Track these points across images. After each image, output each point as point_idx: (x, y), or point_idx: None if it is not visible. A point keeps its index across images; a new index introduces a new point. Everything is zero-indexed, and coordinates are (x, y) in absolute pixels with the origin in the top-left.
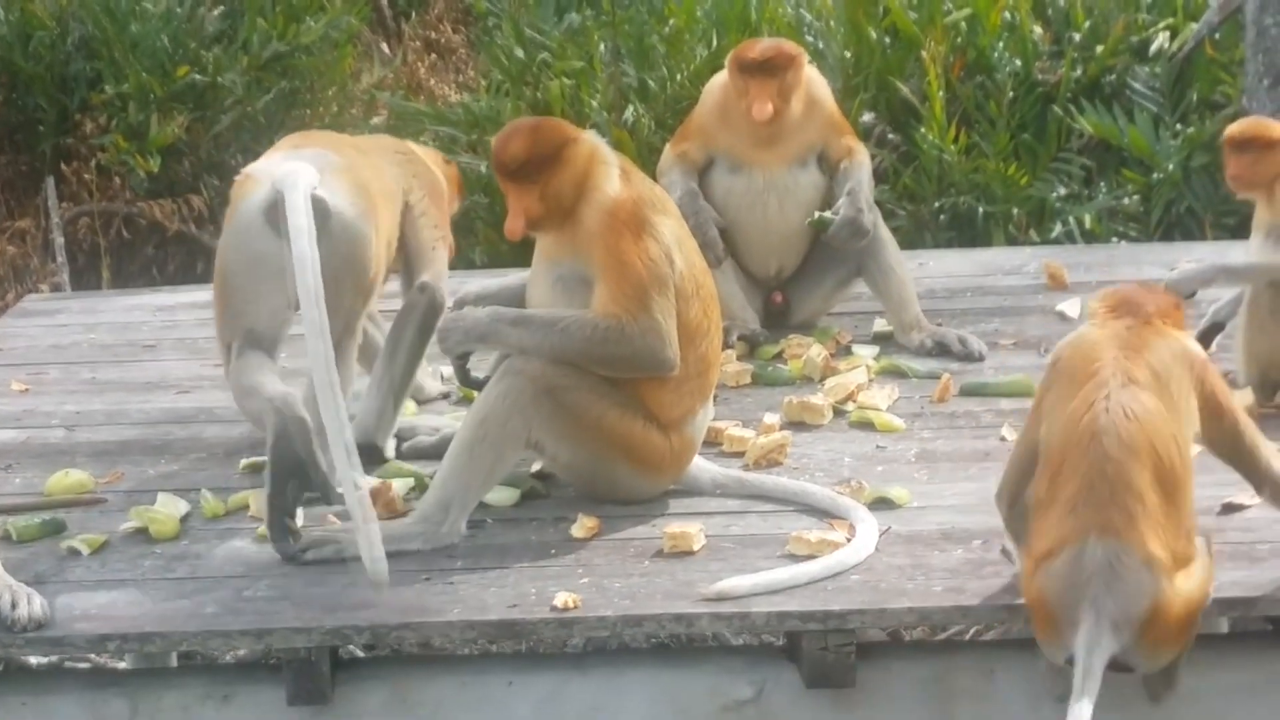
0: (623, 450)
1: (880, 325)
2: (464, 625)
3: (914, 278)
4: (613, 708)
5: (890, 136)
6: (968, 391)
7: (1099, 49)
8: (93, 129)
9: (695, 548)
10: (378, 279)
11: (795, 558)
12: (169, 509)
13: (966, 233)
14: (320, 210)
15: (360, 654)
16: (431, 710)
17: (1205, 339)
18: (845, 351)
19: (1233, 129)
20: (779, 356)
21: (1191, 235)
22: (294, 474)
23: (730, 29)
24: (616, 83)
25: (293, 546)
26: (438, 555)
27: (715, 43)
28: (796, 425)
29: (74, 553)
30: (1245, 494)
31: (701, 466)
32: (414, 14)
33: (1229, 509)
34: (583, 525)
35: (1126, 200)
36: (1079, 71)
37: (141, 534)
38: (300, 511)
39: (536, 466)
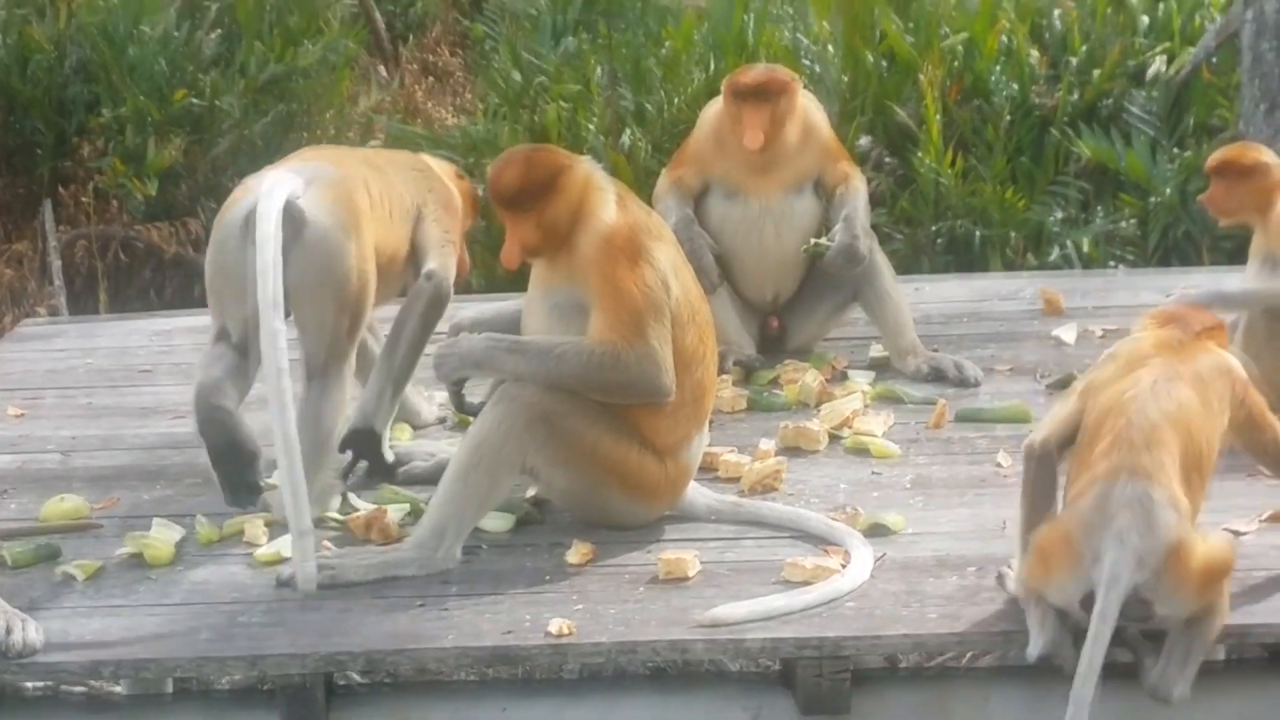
0: (618, 476)
1: (876, 351)
2: (458, 652)
3: (910, 303)
4: None
5: (887, 160)
6: (963, 417)
7: (1096, 73)
8: (90, 152)
9: (690, 574)
10: (363, 295)
11: (790, 584)
12: (164, 535)
13: (964, 257)
14: (296, 219)
15: (356, 680)
16: None
17: None
18: (841, 377)
19: (1213, 155)
20: (775, 382)
21: (1189, 260)
22: (227, 455)
23: (727, 53)
24: (613, 107)
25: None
26: (432, 581)
27: (712, 67)
28: (792, 451)
29: (69, 579)
30: (1242, 521)
31: (697, 492)
32: (411, 38)
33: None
34: (578, 551)
35: (1124, 225)
36: (1076, 96)
37: (136, 560)
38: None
39: (531, 492)
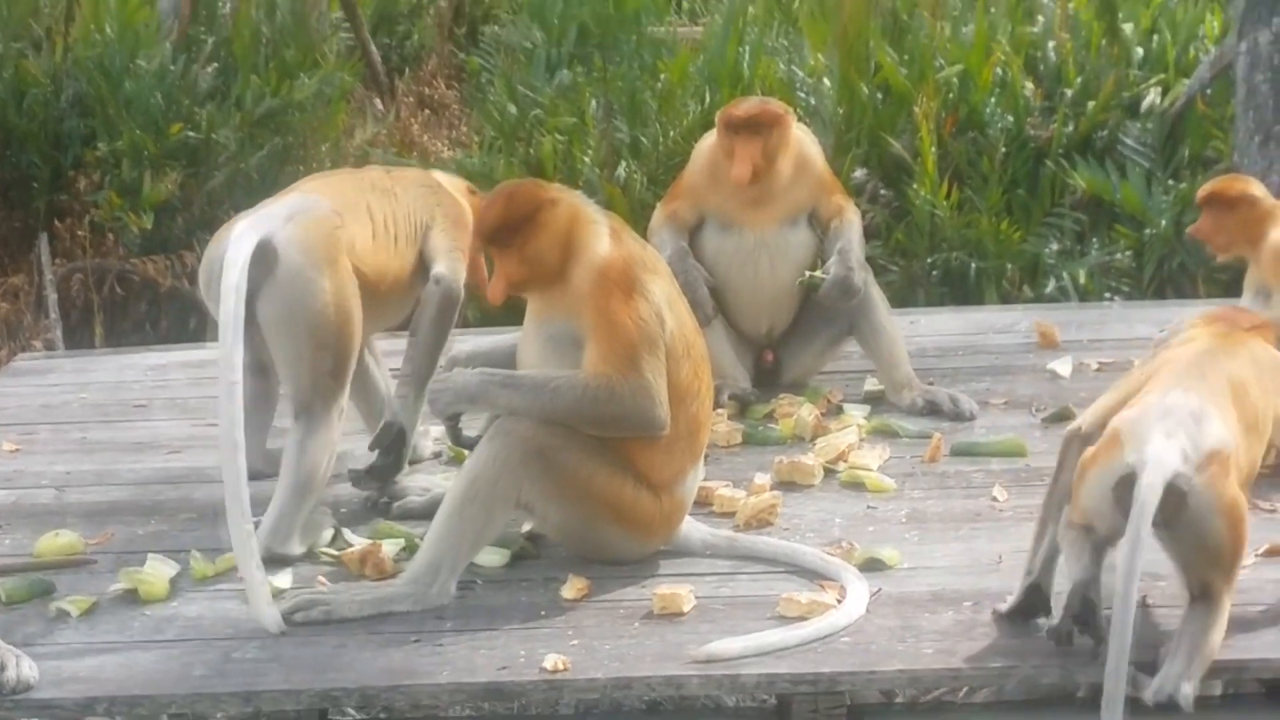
0: (613, 511)
1: (871, 384)
2: (453, 688)
3: (905, 336)
4: None
5: (883, 193)
6: (959, 451)
7: (1091, 105)
8: (86, 186)
9: (685, 609)
10: (344, 331)
11: (786, 619)
12: (158, 570)
13: (959, 289)
14: (269, 257)
15: (351, 716)
16: None
17: None
18: (836, 411)
19: (1203, 187)
20: (770, 416)
21: (1184, 292)
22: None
23: (723, 86)
24: (609, 139)
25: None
26: (427, 617)
27: (708, 99)
28: (787, 486)
29: (63, 614)
30: None
31: (692, 527)
32: (407, 71)
33: None
34: (573, 586)
35: (1119, 257)
36: (1071, 128)
37: (131, 595)
38: (289, 573)
39: (527, 527)
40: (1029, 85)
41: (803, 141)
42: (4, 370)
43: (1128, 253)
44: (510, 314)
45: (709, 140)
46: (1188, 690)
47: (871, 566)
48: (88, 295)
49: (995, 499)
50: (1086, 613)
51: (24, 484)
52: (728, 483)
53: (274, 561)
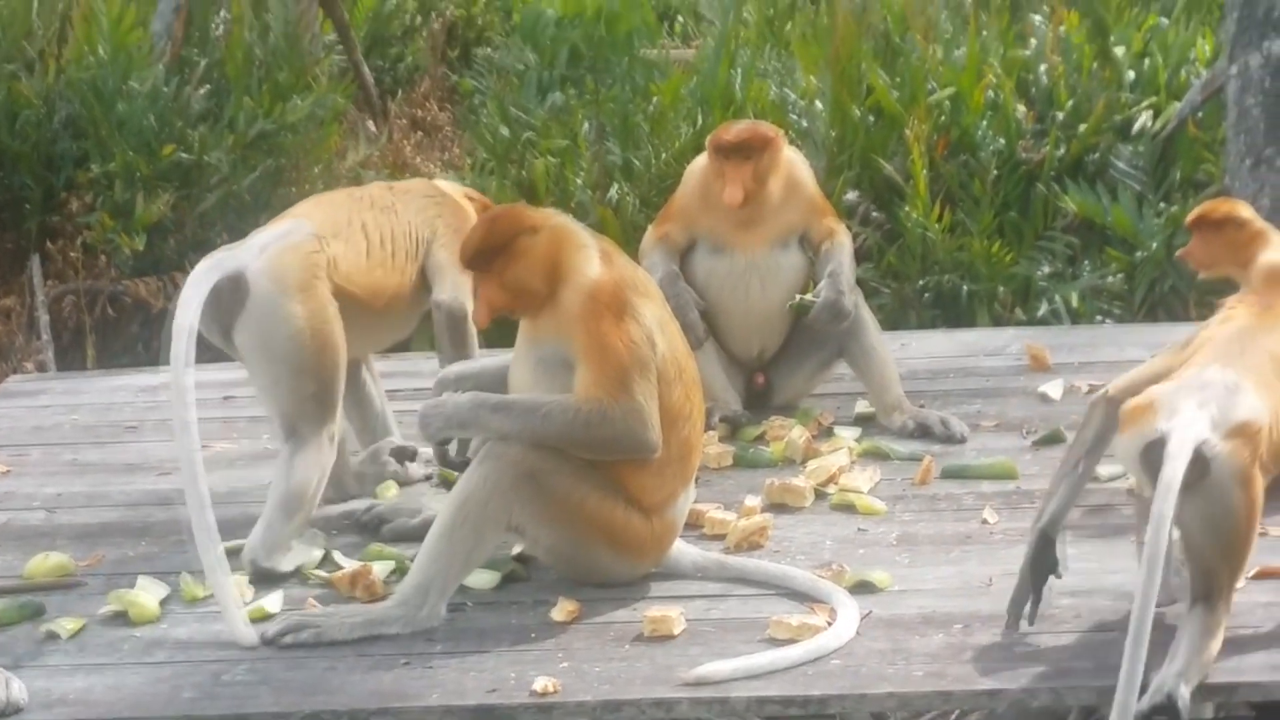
0: (604, 534)
1: (862, 407)
2: (442, 710)
3: (896, 359)
4: None
5: (874, 215)
6: (950, 474)
7: (1082, 128)
8: (78, 207)
9: (675, 631)
10: (323, 355)
11: (776, 642)
12: (149, 592)
13: (951, 311)
14: (240, 289)
15: None
16: None
17: None
18: (827, 433)
19: (1192, 211)
20: (761, 438)
21: (1176, 315)
22: None
23: (715, 108)
24: (601, 161)
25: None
26: (417, 639)
27: (700, 122)
28: (778, 508)
29: (53, 636)
30: None
31: (682, 549)
32: (400, 93)
33: None
34: (563, 609)
35: (1111, 279)
36: (1062, 150)
37: (121, 617)
38: (279, 595)
39: (517, 549)
40: (1021, 108)
41: (793, 164)
42: None
43: (1119, 275)
44: (506, 334)
45: (700, 163)
46: (1185, 692)
47: (862, 589)
48: (80, 317)
49: (986, 521)
50: None
51: (14, 505)
52: (719, 505)
53: (260, 576)
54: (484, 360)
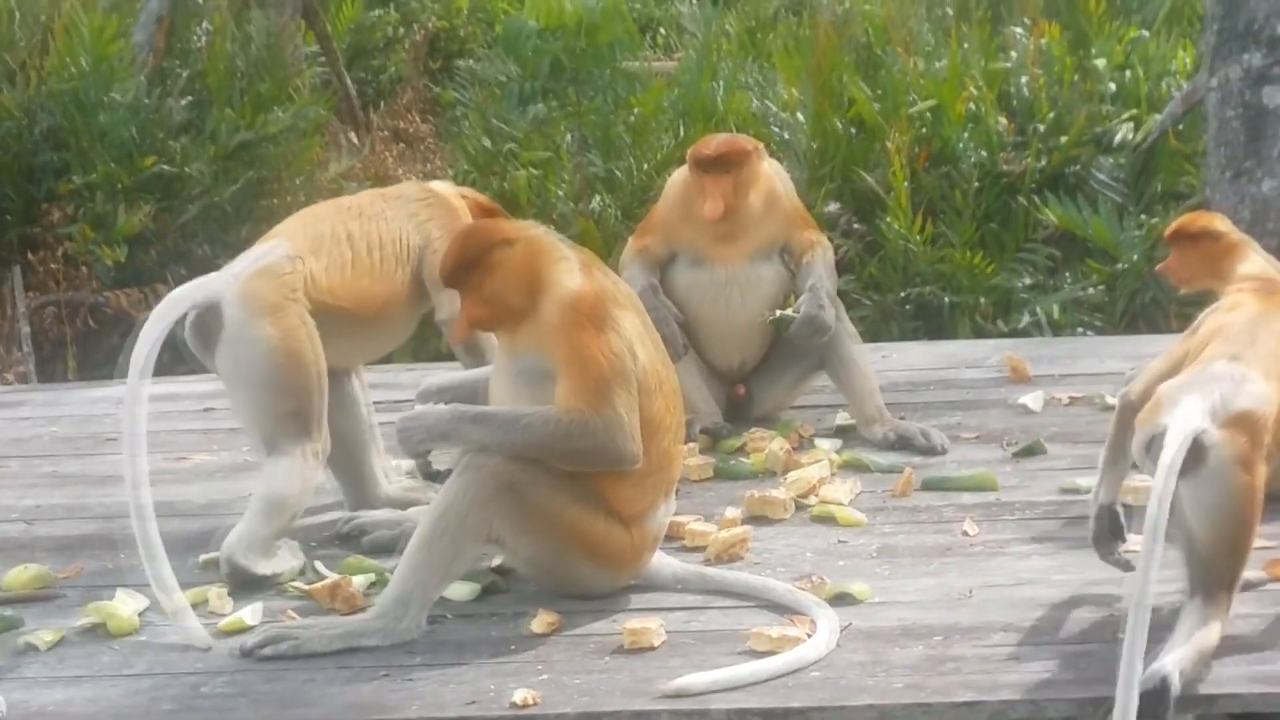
0: (584, 545)
1: (842, 418)
2: None
3: (876, 370)
4: None
5: (855, 226)
6: (929, 485)
7: (1062, 140)
8: (59, 219)
9: (655, 643)
10: (300, 375)
11: (755, 654)
12: (127, 604)
13: (932, 322)
14: (214, 321)
15: None
16: None
17: None
18: (807, 445)
19: (1170, 224)
20: (741, 450)
21: (1156, 326)
22: None
23: (696, 120)
24: (582, 173)
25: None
26: (396, 651)
27: (681, 133)
28: (758, 520)
29: (31, 648)
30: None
31: (662, 561)
32: (382, 104)
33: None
34: (542, 620)
35: (1091, 291)
36: (1043, 162)
37: (99, 629)
38: (259, 607)
39: (496, 561)
40: (1001, 120)
41: (773, 176)
42: None
43: (1100, 287)
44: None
45: (680, 176)
46: (1176, 678)
47: (842, 600)
48: (60, 328)
49: (966, 533)
50: None
51: None
52: (698, 516)
53: (235, 574)
54: (464, 372)
